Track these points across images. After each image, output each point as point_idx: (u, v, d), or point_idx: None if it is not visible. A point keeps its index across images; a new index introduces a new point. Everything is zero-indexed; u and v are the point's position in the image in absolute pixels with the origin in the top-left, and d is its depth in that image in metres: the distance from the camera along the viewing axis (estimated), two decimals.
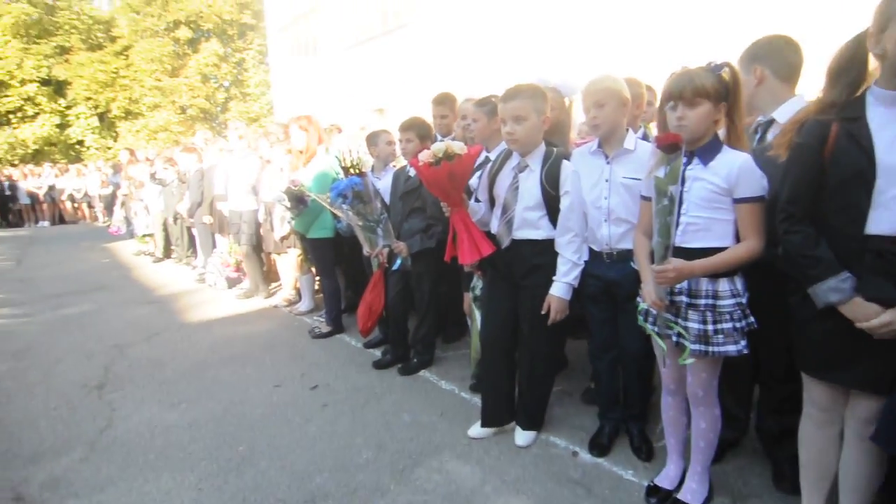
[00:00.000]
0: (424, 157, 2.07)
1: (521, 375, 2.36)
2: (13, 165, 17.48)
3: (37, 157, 20.82)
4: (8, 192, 14.12)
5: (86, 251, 9.21)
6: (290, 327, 4.39)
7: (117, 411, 2.98)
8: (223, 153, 5.90)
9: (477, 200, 2.39)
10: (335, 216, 3.74)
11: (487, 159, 2.53)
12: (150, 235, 8.29)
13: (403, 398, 2.93)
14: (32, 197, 14.38)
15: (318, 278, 4.55)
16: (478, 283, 2.71)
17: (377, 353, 3.57)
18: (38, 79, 21.82)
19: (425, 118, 3.41)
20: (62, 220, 14.71)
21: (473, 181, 2.46)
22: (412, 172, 3.16)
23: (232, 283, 5.72)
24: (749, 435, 2.21)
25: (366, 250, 3.28)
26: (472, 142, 2.88)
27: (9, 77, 21.46)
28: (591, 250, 2.15)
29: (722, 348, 1.65)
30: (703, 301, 1.66)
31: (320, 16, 15.14)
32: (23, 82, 21.64)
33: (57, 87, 22.51)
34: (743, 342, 1.65)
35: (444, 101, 3.63)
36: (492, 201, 2.35)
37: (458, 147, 2.05)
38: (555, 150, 2.20)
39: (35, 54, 21.64)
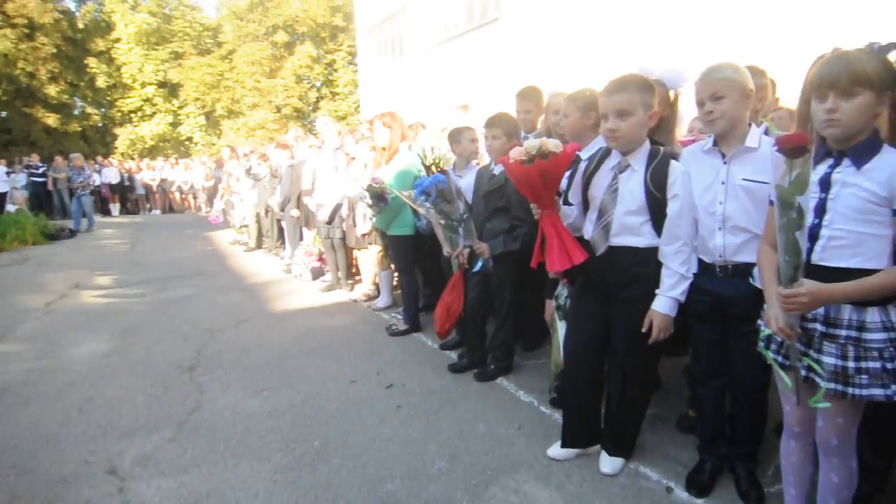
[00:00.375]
0: (516, 154, 1.93)
1: (609, 396, 2.14)
2: (132, 159, 19.41)
3: (152, 151, 22.99)
4: (127, 183, 15.69)
5: (189, 239, 9.98)
6: (369, 322, 4.42)
7: (205, 394, 3.11)
8: (312, 149, 6.10)
9: (568, 203, 2.21)
10: (416, 213, 3.70)
11: (578, 158, 2.34)
12: (245, 226, 8.81)
13: (479, 406, 2.81)
14: (147, 188, 15.87)
15: (396, 275, 4.55)
16: (562, 291, 2.52)
17: (453, 355, 3.48)
18: (155, 82, 24.13)
19: (512, 115, 3.26)
20: (171, 210, 16.12)
21: (564, 182, 2.28)
22: (496, 170, 3.03)
23: (316, 274, 5.90)
24: (889, 491, 1.86)
25: (446, 250, 3.19)
26: (561, 138, 2.70)
27: (132, 80, 23.92)
28: (701, 262, 1.90)
29: (866, 391, 1.36)
30: (843, 332, 1.38)
31: (407, 15, 15.38)
32: (143, 85, 24.03)
33: (171, 89, 24.76)
34: (895, 386, 1.35)
35: (528, 95, 3.46)
36: (585, 204, 2.16)
37: (553, 145, 1.88)
38: (661, 148, 1.97)
39: (153, 59, 23.92)
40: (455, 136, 3.63)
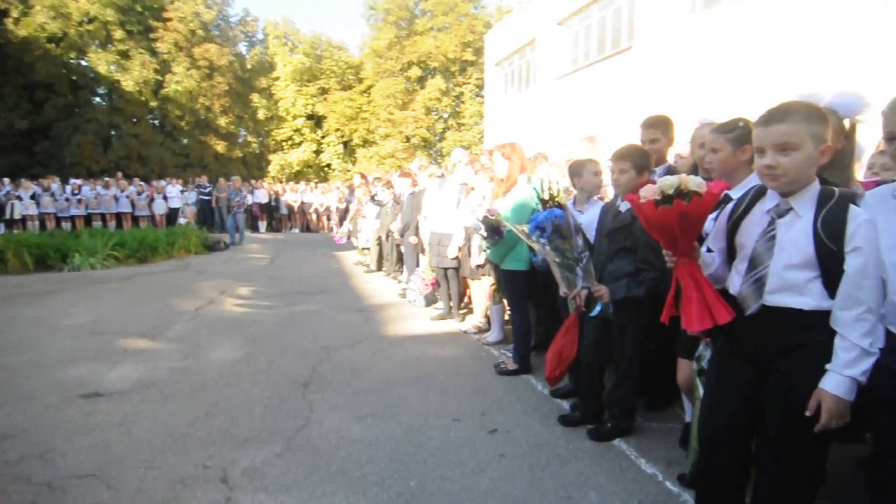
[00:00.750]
0: (648, 193, 1.69)
1: (757, 488, 1.75)
2: (280, 182, 21.72)
3: (297, 176, 25.56)
4: (273, 203, 17.53)
5: (320, 257, 10.77)
6: (477, 357, 4.30)
7: (314, 412, 3.20)
8: (433, 178, 6.24)
9: (708, 250, 1.90)
10: (532, 249, 3.53)
11: (728, 198, 2.02)
12: (367, 249, 9.29)
13: (592, 470, 2.52)
14: (289, 208, 17.58)
15: (509, 310, 4.39)
16: (704, 352, 2.16)
17: (565, 405, 3.22)
18: (304, 114, 26.98)
19: (643, 147, 2.99)
20: (308, 229, 17.65)
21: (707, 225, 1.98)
22: (623, 207, 2.77)
23: (430, 300, 5.95)
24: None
25: (562, 290, 2.97)
26: (706, 175, 2.39)
27: (286, 113, 26.98)
28: (889, 334, 1.50)
29: None
30: None
31: (536, 48, 15.45)
32: (294, 117, 27.00)
33: (317, 121, 27.49)
34: None
35: (656, 125, 3.16)
36: (730, 253, 1.84)
37: (696, 183, 1.62)
38: (836, 189, 1.61)
39: (304, 95, 26.80)
40: (577, 169, 3.43)
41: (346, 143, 27.94)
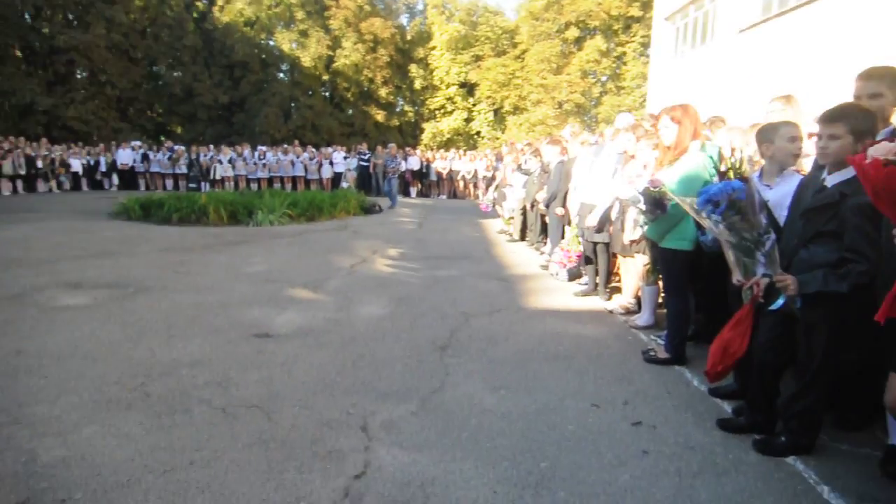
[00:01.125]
0: (879, 151, 1.29)
1: None
2: (431, 149, 22.48)
3: (447, 144, 26.20)
4: (424, 170, 18.23)
5: (464, 224, 10.97)
6: (622, 339, 3.98)
7: (450, 376, 3.23)
8: (585, 146, 5.84)
9: None
10: (699, 227, 3.08)
11: None
12: (512, 218, 9.18)
13: (756, 487, 2.15)
14: (438, 175, 18.14)
15: (663, 293, 3.96)
16: None
17: (726, 406, 2.81)
18: (457, 82, 27.31)
19: (866, 107, 2.35)
20: (455, 196, 18.10)
21: None
22: (830, 181, 2.24)
23: (573, 275, 5.67)
24: None
25: (735, 277, 2.53)
26: None
27: (440, 82, 27.60)
28: None
29: None
30: None
31: None
32: (447, 86, 27.49)
33: (469, 89, 27.69)
34: None
35: (881, 76, 2.45)
36: None
37: None
38: None
39: (458, 63, 27.07)
40: (767, 134, 2.85)
41: (496, 111, 27.81)
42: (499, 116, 27.87)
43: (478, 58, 27.46)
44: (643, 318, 4.24)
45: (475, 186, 17.68)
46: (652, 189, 3.26)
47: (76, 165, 16.73)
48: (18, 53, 23.00)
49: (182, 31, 25.08)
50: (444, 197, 18.09)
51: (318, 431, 2.56)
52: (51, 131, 21.35)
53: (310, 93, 26.49)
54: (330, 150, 18.43)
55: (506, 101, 26.87)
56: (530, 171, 7.84)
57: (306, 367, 3.33)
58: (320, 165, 17.57)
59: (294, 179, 17.45)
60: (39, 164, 15.64)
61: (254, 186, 16.45)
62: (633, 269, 4.51)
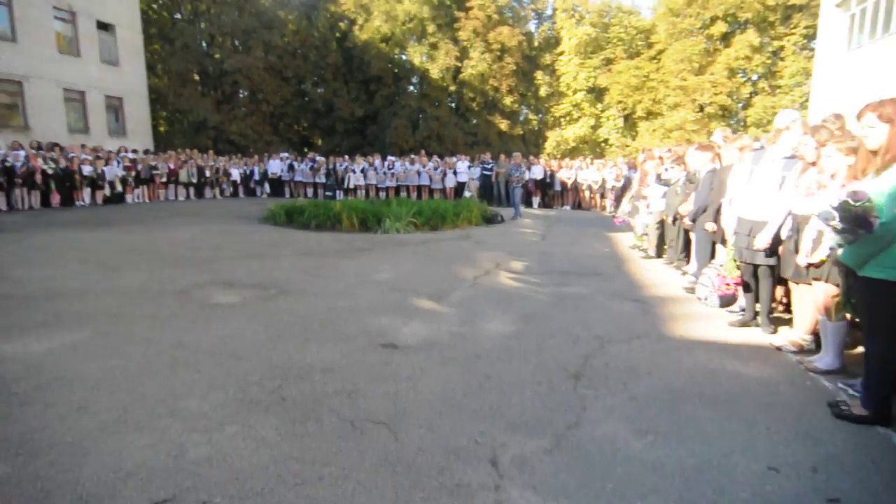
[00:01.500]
0: None
1: None
2: (555, 158, 21.84)
3: (572, 152, 25.32)
4: (548, 180, 17.68)
5: (591, 237, 10.36)
6: (798, 386, 3.30)
7: (587, 411, 2.90)
8: (745, 151, 5.08)
9: None
10: None
11: None
12: (646, 234, 8.44)
13: None
14: (563, 185, 17.50)
15: (864, 333, 3.23)
16: None
17: None
18: (585, 87, 26.29)
19: None
20: (579, 206, 17.33)
21: None
22: None
23: (725, 301, 4.95)
24: None
25: None
26: None
27: (566, 88, 26.79)
28: None
29: None
30: None
31: None
32: (574, 91, 26.58)
33: (597, 94, 26.51)
34: None
35: None
36: None
37: None
38: None
39: (587, 67, 26.05)
40: None
41: (626, 117, 26.29)
42: (629, 122, 26.30)
43: (608, 61, 26.18)
44: (825, 361, 3.49)
45: (602, 197, 16.76)
46: (853, 203, 2.63)
47: (235, 175, 18.97)
48: (196, 77, 26.80)
49: (326, 50, 27.36)
50: (567, 208, 17.41)
51: (444, 459, 2.40)
52: (217, 145, 24.52)
53: (436, 104, 27.29)
54: (454, 159, 18.72)
55: (638, 106, 25.23)
56: (671, 181, 7.12)
57: (432, 384, 3.21)
58: (444, 175, 17.92)
59: (419, 188, 18.00)
60: (207, 173, 17.99)
61: (382, 195, 17.25)
62: (809, 299, 3.77)
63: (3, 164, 12.74)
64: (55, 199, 13.75)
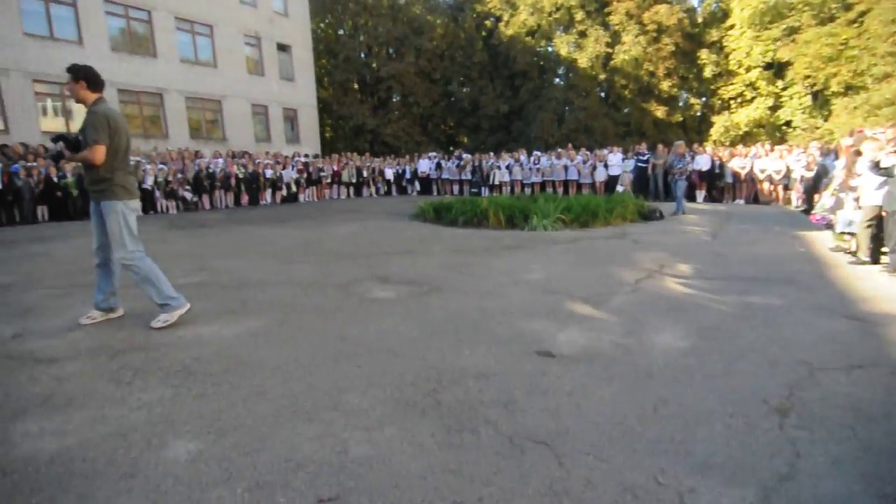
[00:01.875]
0: None
1: None
2: (723, 146, 19.38)
3: (744, 138, 22.30)
4: (717, 171, 15.70)
5: (777, 235, 8.89)
6: None
7: (802, 459, 2.31)
8: None
9: None
10: None
11: None
12: (849, 234, 6.93)
13: None
14: (735, 176, 15.42)
15: None
16: None
17: None
18: (761, 63, 22.94)
19: None
20: (756, 200, 15.13)
21: None
22: None
23: None
24: None
25: None
26: None
27: (737, 66, 23.65)
28: None
29: None
30: None
31: None
32: (748, 69, 23.35)
33: (777, 70, 22.96)
34: None
35: None
36: None
37: None
38: None
39: (764, 40, 22.69)
40: None
41: (815, 94, 22.34)
42: (819, 100, 22.33)
43: (792, 31, 22.49)
44: None
45: (786, 189, 14.41)
46: None
47: (389, 174, 20.25)
48: (355, 86, 29.16)
49: (472, 49, 27.82)
50: (741, 202, 15.30)
51: (620, 498, 2.07)
52: (374, 147, 26.42)
53: (584, 94, 26.09)
54: (605, 151, 17.63)
55: (832, 80, 21.27)
56: (893, 172, 5.73)
57: (597, 403, 2.86)
58: (593, 168, 16.96)
59: (566, 183, 17.30)
60: (364, 173, 19.46)
61: (527, 191, 16.92)
62: None
63: (207, 170, 15.25)
64: (244, 199, 16.12)
